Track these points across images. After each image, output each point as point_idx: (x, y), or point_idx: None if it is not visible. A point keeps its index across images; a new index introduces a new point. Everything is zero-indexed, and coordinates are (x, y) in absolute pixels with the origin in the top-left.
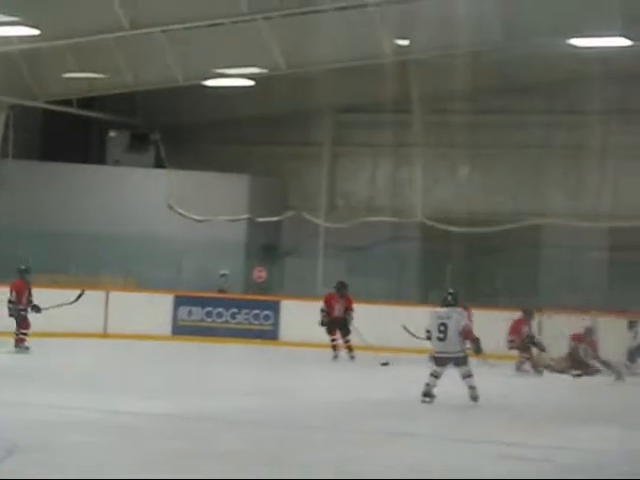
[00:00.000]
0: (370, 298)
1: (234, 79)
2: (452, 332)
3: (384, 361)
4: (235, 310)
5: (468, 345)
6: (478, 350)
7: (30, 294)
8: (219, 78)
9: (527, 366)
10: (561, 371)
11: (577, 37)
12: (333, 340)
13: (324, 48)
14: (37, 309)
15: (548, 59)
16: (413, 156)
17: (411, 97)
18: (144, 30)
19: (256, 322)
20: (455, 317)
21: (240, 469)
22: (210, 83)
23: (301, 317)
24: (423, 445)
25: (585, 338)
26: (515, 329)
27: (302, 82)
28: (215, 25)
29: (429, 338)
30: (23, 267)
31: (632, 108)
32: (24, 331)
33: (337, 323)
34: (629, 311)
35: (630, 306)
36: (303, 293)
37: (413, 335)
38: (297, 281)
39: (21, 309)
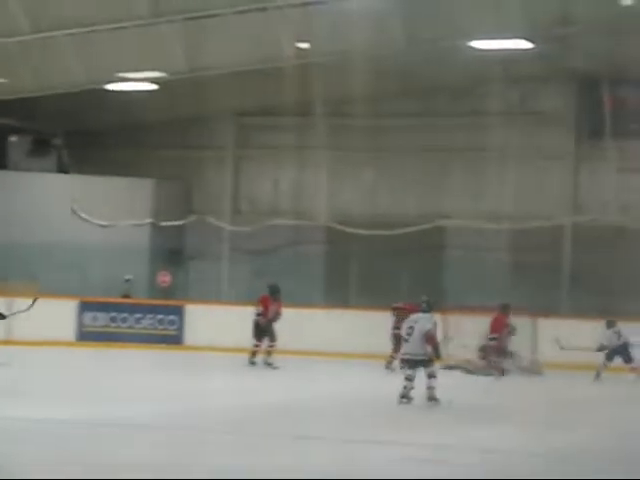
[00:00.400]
0: None
1: (137, 83)
2: (416, 335)
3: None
4: (140, 315)
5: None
6: (437, 355)
7: None
8: (122, 82)
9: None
10: (473, 371)
11: (478, 40)
12: (256, 346)
13: (226, 51)
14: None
15: (450, 62)
16: (317, 159)
17: (314, 100)
18: (46, 34)
19: (161, 327)
20: (421, 322)
21: (145, 476)
22: (113, 87)
23: (206, 321)
24: (326, 448)
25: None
26: None
27: (205, 85)
28: (118, 29)
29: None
30: None
31: (533, 110)
32: None
33: (267, 327)
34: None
35: (532, 306)
36: (208, 297)
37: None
38: (202, 285)
39: None
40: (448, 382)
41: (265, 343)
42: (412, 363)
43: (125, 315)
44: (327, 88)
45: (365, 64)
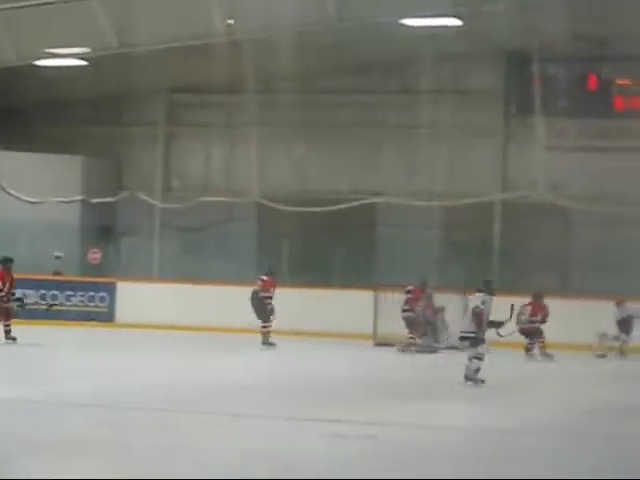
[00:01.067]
0: (207, 278)
1: (66, 59)
2: (468, 314)
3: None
4: (70, 292)
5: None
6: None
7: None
8: (51, 58)
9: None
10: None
11: (410, 17)
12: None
13: (155, 27)
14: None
15: (381, 39)
16: (248, 136)
17: (245, 77)
18: None
19: (92, 304)
20: (473, 300)
21: (75, 453)
22: (42, 63)
23: (137, 298)
24: (259, 425)
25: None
26: None
27: (135, 62)
28: (47, 4)
29: None
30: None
31: (463, 88)
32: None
33: (254, 307)
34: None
35: (464, 283)
36: (139, 274)
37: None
38: (133, 262)
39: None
40: (381, 360)
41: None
42: (467, 340)
43: (55, 292)
44: (258, 65)
45: (296, 40)
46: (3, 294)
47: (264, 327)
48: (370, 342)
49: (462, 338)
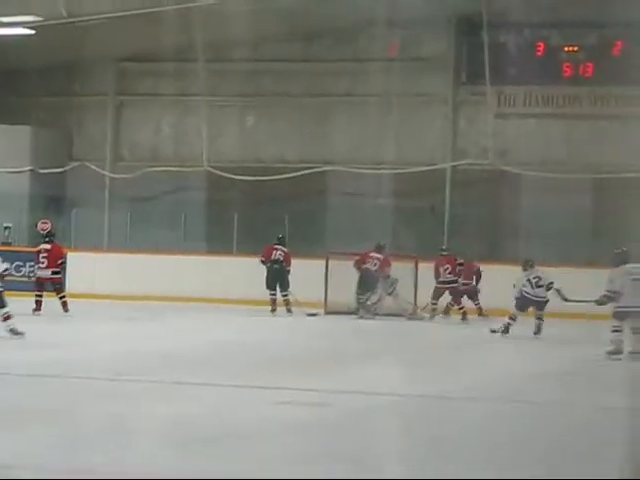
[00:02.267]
0: (156, 248)
1: (13, 28)
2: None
3: (311, 312)
4: (20, 263)
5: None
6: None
7: None
8: None
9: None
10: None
11: None
12: (272, 295)
13: None
14: None
15: (332, 6)
16: (198, 105)
17: (195, 45)
18: None
19: None
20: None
21: (17, 423)
22: None
23: (87, 269)
24: (201, 394)
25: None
26: None
27: (84, 31)
28: None
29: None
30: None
31: (413, 56)
32: None
33: (277, 277)
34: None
35: (413, 251)
36: (90, 245)
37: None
38: (83, 233)
39: None
40: (332, 328)
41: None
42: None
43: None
44: (207, 32)
45: (245, 6)
46: None
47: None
48: (321, 310)
49: None
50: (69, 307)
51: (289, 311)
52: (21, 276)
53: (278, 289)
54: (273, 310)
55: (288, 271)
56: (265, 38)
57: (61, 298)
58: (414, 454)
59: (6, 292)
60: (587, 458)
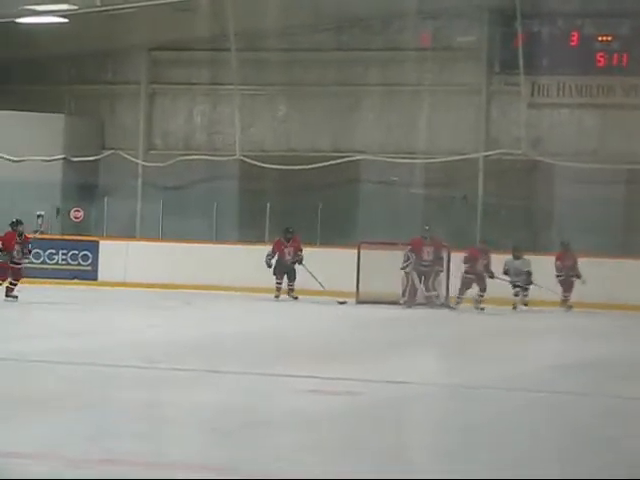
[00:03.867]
0: (188, 238)
1: (47, 16)
2: None
3: (341, 300)
4: (53, 251)
5: None
6: None
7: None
8: (32, 15)
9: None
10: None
11: None
12: (278, 283)
13: None
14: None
15: None
16: (230, 94)
17: (228, 34)
18: None
19: (74, 262)
20: None
21: (47, 410)
22: (23, 20)
23: (120, 257)
24: (231, 382)
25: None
26: None
27: (117, 19)
28: None
29: None
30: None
31: (446, 45)
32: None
33: (285, 267)
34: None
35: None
36: (122, 233)
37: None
38: (115, 221)
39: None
40: (363, 317)
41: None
42: None
43: (38, 251)
44: (240, 22)
45: None
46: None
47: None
48: (353, 300)
49: None
50: (16, 295)
51: (295, 298)
52: (54, 264)
53: (285, 279)
54: (277, 297)
55: (300, 259)
56: (297, 27)
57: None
58: (442, 444)
59: (40, 280)
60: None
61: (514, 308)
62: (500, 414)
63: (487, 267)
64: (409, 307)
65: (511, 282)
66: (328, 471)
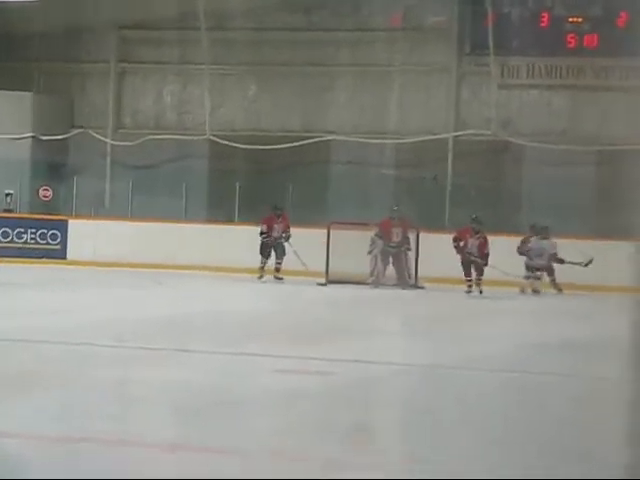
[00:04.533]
0: (157, 217)
1: None
2: None
3: (321, 282)
4: (21, 230)
5: None
6: None
7: None
8: None
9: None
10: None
11: None
12: (263, 262)
13: None
14: None
15: None
16: (200, 74)
17: (197, 13)
18: None
19: (43, 242)
20: None
21: (19, 388)
22: None
23: (89, 236)
24: (202, 361)
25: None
26: None
27: None
28: None
29: None
30: None
31: (416, 25)
32: None
33: (274, 244)
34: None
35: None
36: (91, 212)
37: None
38: (84, 200)
39: None
40: (332, 297)
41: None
42: None
43: (6, 229)
44: (210, 1)
45: None
46: None
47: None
48: (322, 280)
49: None
50: None
51: (279, 279)
52: (23, 243)
53: (274, 256)
54: (261, 277)
55: (288, 237)
56: (267, 7)
57: None
58: (412, 424)
59: (9, 259)
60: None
61: (522, 292)
62: (472, 394)
63: (482, 250)
64: (376, 287)
65: (529, 266)
66: (298, 451)
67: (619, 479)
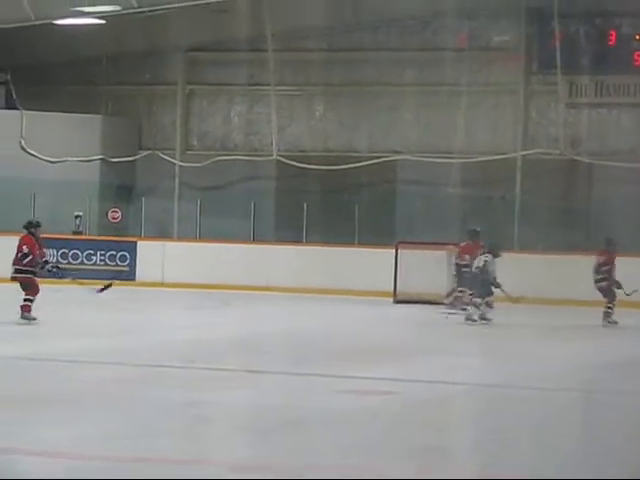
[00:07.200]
0: (225, 237)
1: (85, 18)
2: None
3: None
4: (91, 251)
5: None
6: None
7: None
8: (71, 17)
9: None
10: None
11: None
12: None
13: None
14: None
15: None
16: (267, 94)
17: (265, 35)
18: None
19: (112, 263)
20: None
21: (87, 409)
22: (62, 22)
23: (158, 258)
24: (272, 382)
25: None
26: None
27: (154, 20)
28: None
29: None
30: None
31: (484, 45)
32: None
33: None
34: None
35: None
36: (159, 234)
37: None
38: (153, 221)
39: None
40: (400, 317)
41: None
42: None
43: (76, 251)
44: (277, 22)
45: None
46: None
47: None
48: (390, 300)
49: None
50: (32, 314)
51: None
52: (92, 264)
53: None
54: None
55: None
56: (334, 28)
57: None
58: (475, 444)
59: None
60: None
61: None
62: (540, 414)
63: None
64: (453, 308)
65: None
66: (364, 470)
67: (620, 479)
